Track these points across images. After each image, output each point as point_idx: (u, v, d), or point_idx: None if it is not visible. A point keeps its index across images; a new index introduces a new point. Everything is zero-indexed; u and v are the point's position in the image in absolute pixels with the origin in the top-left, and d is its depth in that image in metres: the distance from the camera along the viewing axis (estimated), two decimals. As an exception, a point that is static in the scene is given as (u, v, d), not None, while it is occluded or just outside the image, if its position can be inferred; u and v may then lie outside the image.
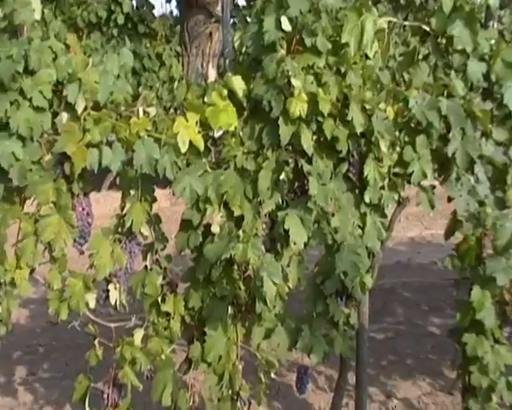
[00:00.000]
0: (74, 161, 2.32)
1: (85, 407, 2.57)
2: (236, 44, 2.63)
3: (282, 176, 2.49)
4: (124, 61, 2.48)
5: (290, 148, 2.54)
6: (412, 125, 2.67)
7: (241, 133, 2.55)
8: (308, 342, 2.63)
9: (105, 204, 6.94)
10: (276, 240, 2.56)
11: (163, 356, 2.54)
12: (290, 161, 2.53)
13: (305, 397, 3.70)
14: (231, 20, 10.43)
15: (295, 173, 2.55)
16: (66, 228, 2.39)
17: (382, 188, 2.67)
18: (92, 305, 2.46)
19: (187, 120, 2.43)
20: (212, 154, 2.56)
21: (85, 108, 2.36)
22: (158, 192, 2.53)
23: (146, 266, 2.56)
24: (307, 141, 2.49)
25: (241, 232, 2.43)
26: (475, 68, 2.77)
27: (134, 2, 10.44)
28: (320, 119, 2.51)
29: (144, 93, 2.47)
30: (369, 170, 2.60)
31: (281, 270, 2.40)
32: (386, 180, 2.66)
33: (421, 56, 2.85)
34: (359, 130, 2.52)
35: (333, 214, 2.60)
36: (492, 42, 2.81)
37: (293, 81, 2.43)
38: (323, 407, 3.75)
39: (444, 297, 5.21)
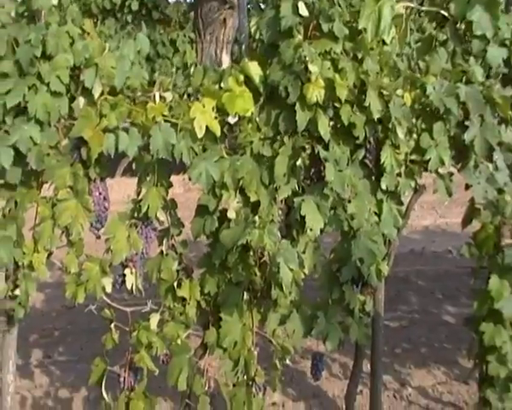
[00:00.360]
0: (91, 145, 2.33)
1: (102, 389, 2.58)
2: (252, 30, 2.61)
3: (299, 162, 2.49)
4: (140, 47, 2.49)
5: (307, 134, 2.53)
6: (430, 111, 2.65)
7: (257, 119, 2.54)
8: (323, 329, 2.63)
9: (119, 190, 6.98)
10: (292, 226, 2.57)
11: (179, 341, 2.55)
12: (307, 146, 2.52)
13: (319, 384, 3.71)
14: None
15: (312, 159, 2.55)
16: (83, 212, 2.41)
17: (399, 175, 2.65)
18: (109, 289, 2.48)
19: (203, 106, 2.43)
20: (228, 139, 2.56)
21: (102, 93, 2.36)
22: (172, 178, 2.54)
23: (162, 252, 2.57)
24: (324, 127, 2.49)
25: (257, 218, 2.43)
26: (495, 54, 2.74)
27: (148, -11, 10.43)
28: (337, 104, 2.50)
29: (161, 78, 2.47)
30: (386, 156, 2.58)
31: (297, 256, 2.40)
32: (403, 167, 2.65)
33: (438, 42, 2.83)
34: (376, 116, 2.51)
35: (349, 201, 2.59)
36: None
37: (310, 67, 2.42)
38: (337, 395, 3.76)
39: (458, 286, 5.21)
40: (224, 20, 9.58)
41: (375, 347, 3.03)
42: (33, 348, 4.47)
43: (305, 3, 2.47)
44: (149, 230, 2.53)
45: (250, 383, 2.60)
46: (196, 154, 2.43)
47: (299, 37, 2.48)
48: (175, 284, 2.55)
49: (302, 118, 2.47)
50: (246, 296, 2.58)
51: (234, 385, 2.60)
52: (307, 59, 2.41)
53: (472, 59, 2.73)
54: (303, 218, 2.49)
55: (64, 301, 2.61)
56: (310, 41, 2.49)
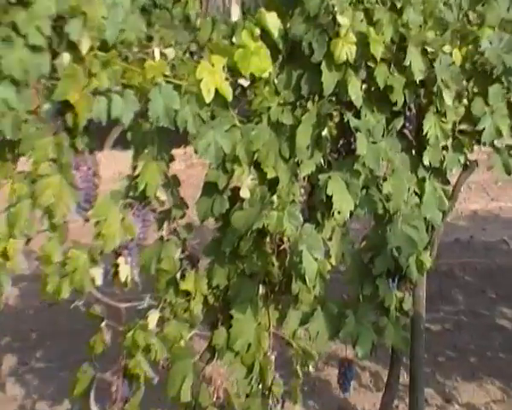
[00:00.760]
0: (78, 111, 2.32)
1: (89, 401, 2.59)
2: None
3: (325, 132, 2.51)
4: (135, -7, 2.48)
5: (334, 99, 2.54)
6: (484, 71, 2.64)
7: (275, 81, 2.55)
8: (353, 331, 2.66)
9: (108, 166, 6.94)
10: (317, 208, 2.59)
11: (182, 343, 2.56)
12: (334, 114, 2.54)
13: (347, 396, 3.71)
14: None
15: (340, 129, 2.56)
16: (69, 190, 2.40)
17: (445, 148, 2.67)
18: (99, 281, 2.47)
19: (212, 65, 2.42)
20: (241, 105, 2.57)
21: (91, 49, 2.34)
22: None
23: (162, 237, 2.58)
24: (355, 90, 2.50)
25: (275, 198, 2.44)
26: None
27: None
28: (371, 64, 2.51)
29: (161, 31, 2.48)
30: (430, 126, 2.59)
31: (322, 243, 2.43)
32: (450, 139, 2.66)
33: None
34: (418, 77, 2.52)
35: (385, 179, 2.61)
36: None
37: (340, 19, 2.43)
38: (368, 409, 3.78)
39: (515, 283, 5.20)
40: (234, -39, 9.55)
41: (414, 354, 3.06)
42: (6, 354, 4.49)
43: None
44: (147, 211, 2.54)
45: (266, 393, 2.63)
46: (204, 122, 2.43)
47: (327, -19, 2.47)
48: (177, 276, 2.56)
49: (329, 79, 2.48)
50: (261, 290, 2.61)
51: (247, 396, 2.63)
52: (336, 9, 2.42)
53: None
54: (329, 198, 2.51)
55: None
56: (339, -13, 2.48)
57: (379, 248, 2.67)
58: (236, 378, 2.61)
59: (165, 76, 2.40)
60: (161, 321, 2.57)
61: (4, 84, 2.28)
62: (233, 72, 2.48)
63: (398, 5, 2.53)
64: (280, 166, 2.52)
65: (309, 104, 2.52)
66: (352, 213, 2.56)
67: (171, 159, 2.53)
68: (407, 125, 2.65)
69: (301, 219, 2.44)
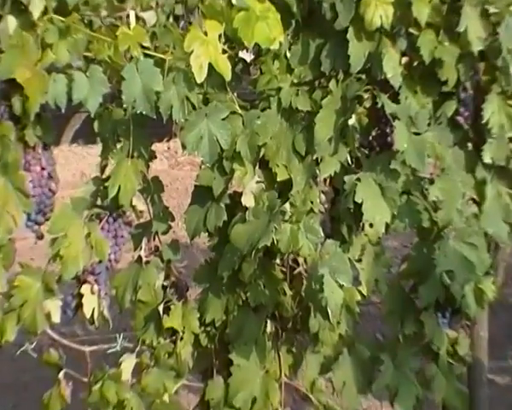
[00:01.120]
0: (28, 93, 2.32)
1: None
2: None
3: (352, 120, 2.49)
4: None
5: (365, 77, 2.53)
6: None
7: (288, 54, 2.55)
8: (390, 382, 2.64)
9: (67, 166, 6.96)
10: (342, 220, 2.58)
11: (165, 398, 2.58)
12: (365, 96, 2.52)
13: None
14: None
15: (372, 116, 2.54)
16: (16, 197, 2.39)
17: (512, 140, 2.67)
18: (56, 318, 2.47)
19: (205, 33, 2.41)
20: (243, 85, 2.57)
21: (45, 12, 2.34)
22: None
23: (139, 259, 2.60)
24: (392, 65, 2.48)
25: (287, 207, 2.44)
26: None
27: None
28: (413, 31, 2.50)
29: (138, -11, 2.47)
30: (493, 112, 2.57)
31: (349, 267, 2.41)
32: (521, 128, 2.67)
33: None
34: (477, 48, 2.49)
35: (432, 181, 2.57)
36: None
37: (372, -30, 2.45)
38: None
39: None
40: None
41: (474, 413, 3.06)
42: None
43: None
44: (120, 225, 2.55)
45: None
46: (194, 108, 2.43)
47: None
48: (160, 309, 2.56)
49: (358, 52, 2.47)
50: (270, 328, 2.62)
51: None
52: (365, -40, 2.44)
53: None
54: (359, 207, 2.47)
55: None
56: None
57: (424, 272, 2.62)
58: (237, 445, 2.66)
59: (144, 48, 2.41)
60: (139, 369, 2.58)
61: None
62: (232, 42, 2.49)
63: (449, -47, 2.56)
64: (294, 166, 2.51)
65: (331, 84, 2.52)
66: (388, 227, 2.53)
67: (152, 156, 2.55)
68: (461, 110, 2.61)
69: (322, 234, 2.45)
